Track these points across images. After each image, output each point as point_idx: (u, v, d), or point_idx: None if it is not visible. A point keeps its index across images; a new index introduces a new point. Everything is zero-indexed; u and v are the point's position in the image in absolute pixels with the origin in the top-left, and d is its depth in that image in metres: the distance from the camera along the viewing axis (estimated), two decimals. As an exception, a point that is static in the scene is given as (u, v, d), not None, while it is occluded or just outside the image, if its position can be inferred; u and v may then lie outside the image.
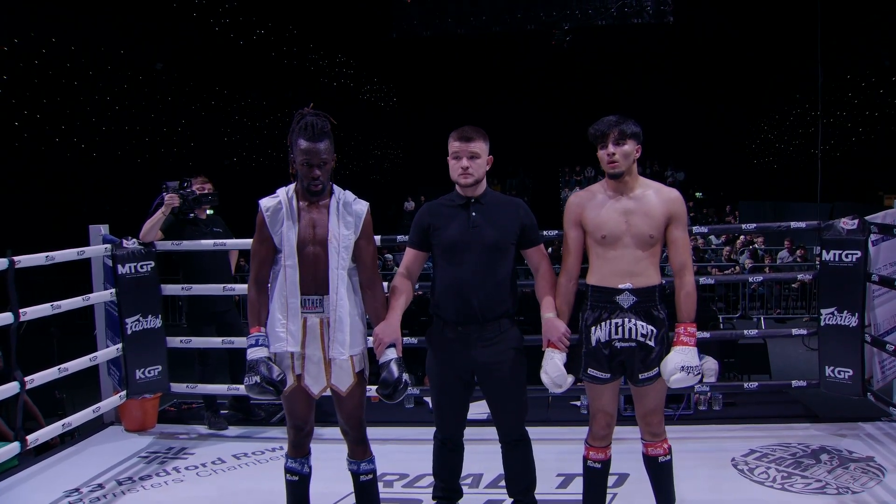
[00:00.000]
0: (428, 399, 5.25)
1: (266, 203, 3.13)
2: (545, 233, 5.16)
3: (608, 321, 3.15)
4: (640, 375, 3.17)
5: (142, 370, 4.90)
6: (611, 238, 3.13)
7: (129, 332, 4.83)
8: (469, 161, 3.21)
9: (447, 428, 3.41)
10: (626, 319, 3.13)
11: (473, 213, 3.26)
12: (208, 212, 5.24)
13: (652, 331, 3.14)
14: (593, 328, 3.18)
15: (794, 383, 4.92)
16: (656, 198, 3.17)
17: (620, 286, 3.12)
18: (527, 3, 20.88)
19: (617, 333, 3.14)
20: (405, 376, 3.11)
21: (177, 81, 17.69)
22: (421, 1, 20.83)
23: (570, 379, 3.20)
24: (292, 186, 3.17)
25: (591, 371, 3.20)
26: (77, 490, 4.14)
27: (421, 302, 6.49)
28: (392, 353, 3.13)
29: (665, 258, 3.30)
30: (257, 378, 2.99)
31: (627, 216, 3.13)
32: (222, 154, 19.66)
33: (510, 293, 3.32)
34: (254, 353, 3.06)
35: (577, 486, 3.87)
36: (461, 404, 3.40)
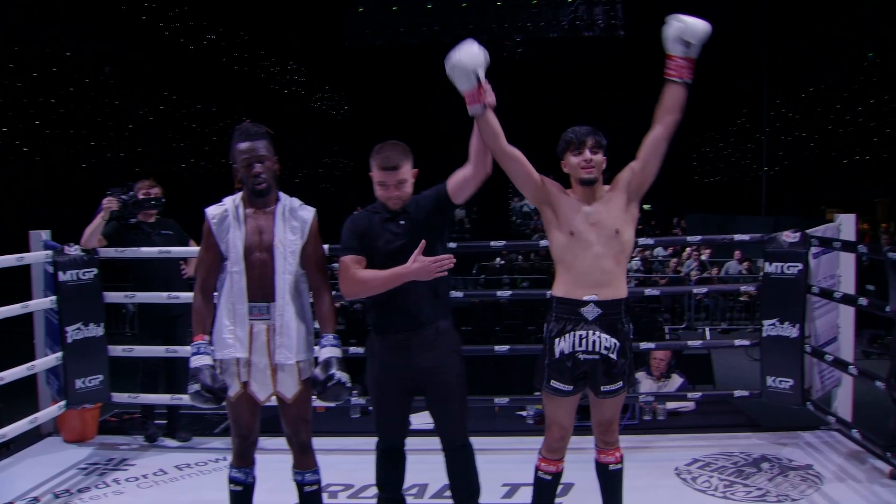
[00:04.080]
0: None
1: (212, 211, 3.16)
2: (493, 243, 5.21)
3: (572, 333, 3.13)
4: (602, 388, 3.16)
5: (82, 379, 4.78)
6: (577, 236, 3.10)
7: (69, 340, 4.72)
8: (397, 190, 3.20)
9: (389, 437, 3.40)
10: (590, 332, 3.11)
11: (402, 222, 3.24)
12: (157, 216, 5.13)
13: (615, 344, 3.13)
14: (557, 340, 3.16)
15: (737, 393, 5.01)
16: (613, 188, 3.19)
17: (586, 298, 3.11)
18: (479, 15, 20.96)
19: (580, 345, 3.12)
20: (338, 374, 3.07)
21: (125, 85, 17.40)
22: (373, 10, 20.78)
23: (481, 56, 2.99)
24: (238, 195, 3.19)
25: (553, 383, 3.17)
26: None
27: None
28: (327, 353, 3.11)
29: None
30: (197, 386, 2.99)
31: (595, 217, 3.12)
32: (170, 160, 19.37)
33: (443, 293, 3.31)
34: (197, 361, 3.04)
35: (522, 496, 3.91)
36: (403, 412, 3.39)
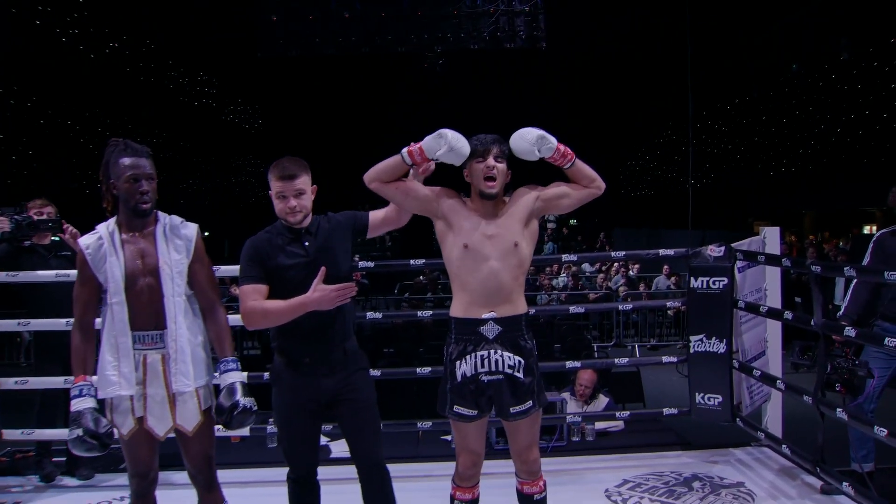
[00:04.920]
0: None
1: (85, 241, 2.96)
2: (413, 261, 4.97)
3: (473, 354, 3.03)
4: (511, 409, 3.06)
5: (-31, 416, 4.41)
6: (472, 249, 3.02)
7: (-46, 373, 4.35)
8: (296, 200, 3.10)
9: (300, 466, 3.23)
10: (492, 351, 3.02)
11: (306, 243, 3.14)
12: (53, 238, 4.81)
13: (519, 361, 3.04)
14: (458, 362, 3.06)
15: (666, 411, 4.92)
16: (514, 201, 3.13)
17: (484, 316, 3.02)
18: (397, 25, 20.79)
19: (483, 366, 3.03)
20: (242, 401, 2.93)
21: (17, 96, 16.49)
22: (287, 20, 20.38)
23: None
24: (112, 220, 3.00)
25: (456, 409, 3.07)
26: None
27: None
28: (230, 378, 2.97)
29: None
30: (80, 431, 2.79)
31: (493, 230, 3.05)
32: (68, 177, 18.45)
33: (348, 312, 3.19)
34: (78, 405, 2.84)
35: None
36: (313, 439, 3.26)
